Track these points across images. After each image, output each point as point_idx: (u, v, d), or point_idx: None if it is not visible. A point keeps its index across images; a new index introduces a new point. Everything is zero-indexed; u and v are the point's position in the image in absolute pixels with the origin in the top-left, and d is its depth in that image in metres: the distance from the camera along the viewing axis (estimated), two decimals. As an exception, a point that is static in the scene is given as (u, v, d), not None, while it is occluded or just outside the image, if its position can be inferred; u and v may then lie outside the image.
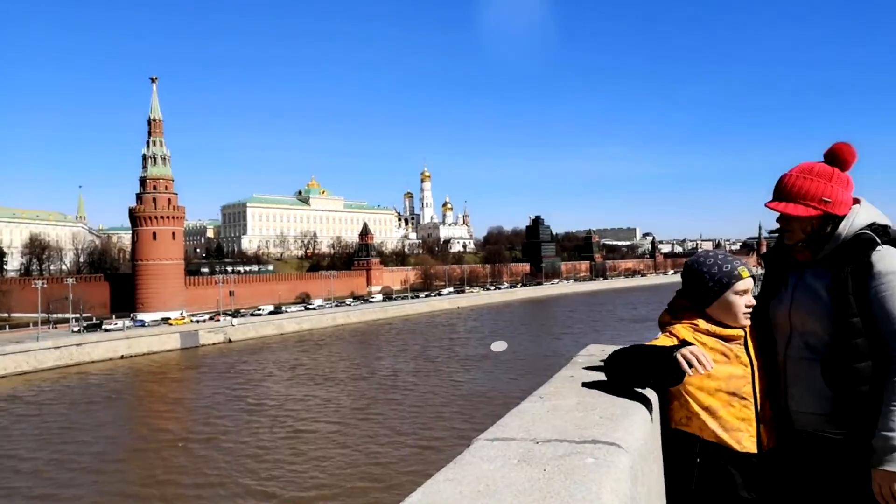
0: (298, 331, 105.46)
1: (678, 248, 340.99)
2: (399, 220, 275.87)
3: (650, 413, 2.24)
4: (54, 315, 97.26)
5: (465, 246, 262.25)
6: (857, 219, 2.31)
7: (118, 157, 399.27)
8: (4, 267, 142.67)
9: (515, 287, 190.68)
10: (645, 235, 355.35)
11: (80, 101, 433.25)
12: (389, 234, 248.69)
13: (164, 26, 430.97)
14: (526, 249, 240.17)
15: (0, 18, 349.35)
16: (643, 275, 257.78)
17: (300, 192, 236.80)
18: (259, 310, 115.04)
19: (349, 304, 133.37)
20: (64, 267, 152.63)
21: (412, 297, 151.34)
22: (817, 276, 2.38)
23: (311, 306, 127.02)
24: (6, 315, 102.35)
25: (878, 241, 2.25)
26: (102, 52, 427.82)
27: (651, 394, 2.44)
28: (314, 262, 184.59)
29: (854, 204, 2.38)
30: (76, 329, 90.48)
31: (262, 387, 58.48)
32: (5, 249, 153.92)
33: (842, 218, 2.33)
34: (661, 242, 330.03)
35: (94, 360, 76.96)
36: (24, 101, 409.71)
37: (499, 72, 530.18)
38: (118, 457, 37.21)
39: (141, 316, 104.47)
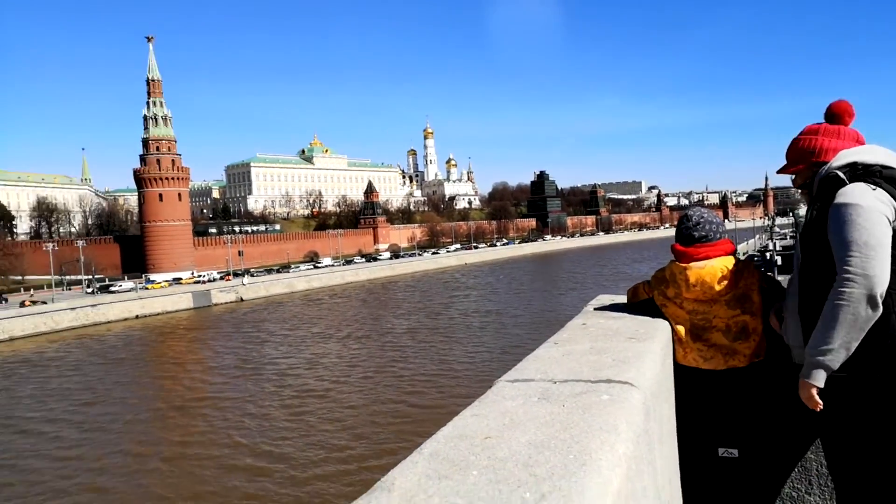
0: (308, 289, 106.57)
1: (684, 201, 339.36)
2: (403, 177, 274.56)
3: (661, 356, 2.36)
4: (67, 277, 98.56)
5: (470, 202, 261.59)
6: (835, 162, 2.53)
7: (120, 118, 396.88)
8: (14, 230, 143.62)
9: (522, 243, 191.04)
10: (650, 189, 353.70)
11: (80, 62, 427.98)
12: (394, 191, 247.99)
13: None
14: (531, 205, 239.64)
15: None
16: (649, 228, 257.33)
17: (303, 151, 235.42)
18: (317, 262, 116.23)
19: (357, 263, 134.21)
20: (73, 230, 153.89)
21: (419, 255, 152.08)
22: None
23: (320, 265, 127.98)
24: (20, 277, 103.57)
25: (845, 179, 2.38)
26: (100, 10, 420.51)
27: (662, 336, 2.67)
28: (321, 222, 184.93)
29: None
30: (89, 290, 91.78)
31: (273, 345, 59.61)
32: (13, 213, 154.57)
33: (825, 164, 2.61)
34: (666, 195, 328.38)
35: (109, 321, 78.33)
36: (23, 63, 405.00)
37: (499, 26, 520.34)
38: (134, 417, 38.40)
39: (152, 276, 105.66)
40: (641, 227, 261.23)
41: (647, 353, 2.22)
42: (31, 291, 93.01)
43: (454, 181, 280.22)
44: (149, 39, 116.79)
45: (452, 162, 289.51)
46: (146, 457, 30.23)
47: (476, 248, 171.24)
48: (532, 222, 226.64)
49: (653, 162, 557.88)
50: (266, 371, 47.71)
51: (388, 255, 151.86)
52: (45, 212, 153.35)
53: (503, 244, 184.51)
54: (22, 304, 78.80)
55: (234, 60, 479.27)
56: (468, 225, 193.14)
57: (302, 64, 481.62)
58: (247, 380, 45.32)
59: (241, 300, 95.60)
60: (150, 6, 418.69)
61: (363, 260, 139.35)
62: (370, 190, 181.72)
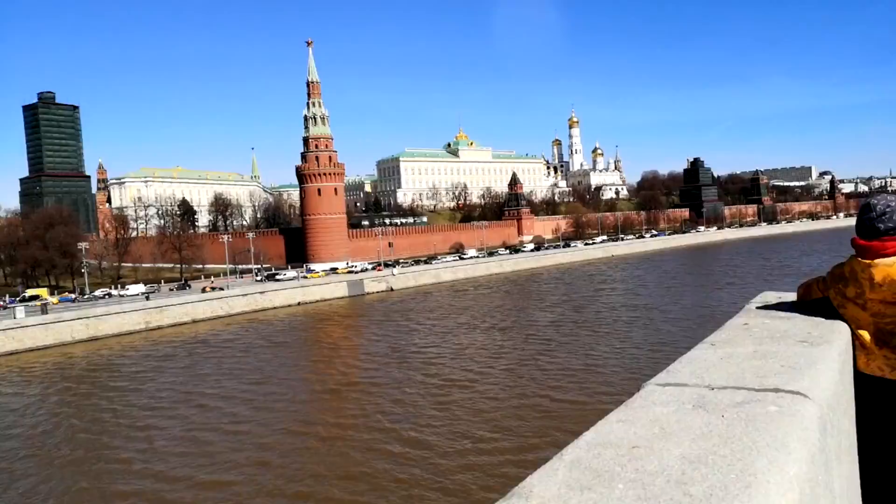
0: (454, 280, 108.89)
1: (863, 188, 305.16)
2: (548, 168, 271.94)
3: (839, 363, 2.12)
4: (240, 266, 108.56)
5: (617, 192, 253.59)
6: None
7: (284, 118, 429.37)
8: (196, 223, 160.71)
9: (673, 234, 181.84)
10: (822, 174, 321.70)
11: (248, 69, 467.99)
12: (538, 182, 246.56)
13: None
14: (684, 194, 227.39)
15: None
16: (821, 218, 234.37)
17: (449, 145, 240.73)
18: (462, 254, 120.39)
19: (501, 254, 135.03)
20: (244, 223, 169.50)
21: (563, 246, 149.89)
22: None
23: (464, 256, 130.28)
24: (200, 266, 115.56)
25: None
26: (262, 19, 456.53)
27: (841, 340, 2.33)
28: (465, 213, 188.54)
29: None
30: (258, 279, 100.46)
31: (420, 334, 61.57)
32: (195, 208, 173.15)
33: None
34: (841, 182, 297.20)
35: (275, 307, 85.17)
36: (198, 72, 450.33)
37: (646, 5, 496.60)
38: (295, 397, 41.35)
39: (312, 266, 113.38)
40: (811, 216, 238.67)
41: (822, 360, 1.99)
42: (212, 278, 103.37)
43: (600, 171, 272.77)
44: (308, 44, 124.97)
45: (599, 151, 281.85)
46: (304, 436, 32.51)
47: (623, 239, 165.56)
48: (685, 212, 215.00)
49: (825, 145, 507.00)
50: (413, 359, 49.41)
51: (531, 246, 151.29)
52: (221, 206, 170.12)
53: (652, 236, 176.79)
54: (203, 290, 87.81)
55: (384, 58, 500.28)
56: (615, 216, 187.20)
57: (449, 59, 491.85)
58: (395, 367, 47.22)
59: (391, 290, 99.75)
60: (309, 10, 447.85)
61: (507, 251, 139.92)
62: (514, 181, 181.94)
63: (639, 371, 38.96)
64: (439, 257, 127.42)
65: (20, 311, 67.50)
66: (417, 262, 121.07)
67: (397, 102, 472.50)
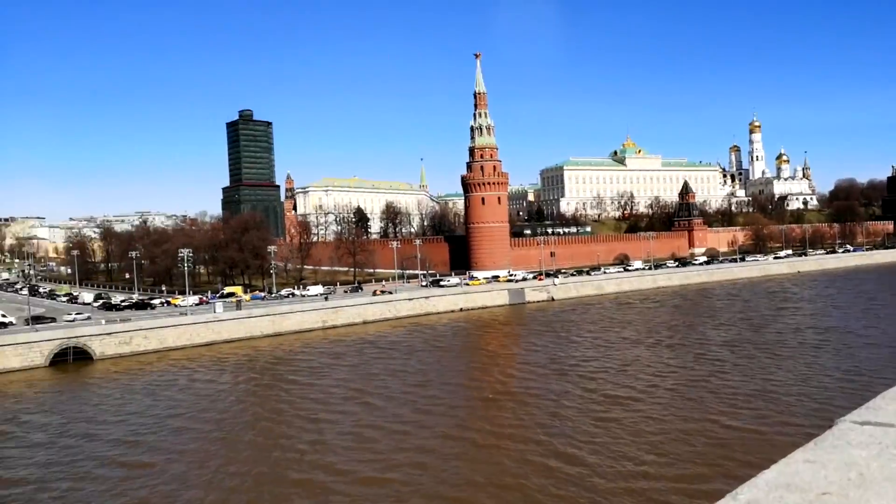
0: (618, 292, 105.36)
1: None
2: (724, 176, 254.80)
3: None
4: (406, 271, 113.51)
5: (805, 203, 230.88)
6: None
7: (451, 130, 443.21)
8: (369, 230, 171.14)
9: (873, 249, 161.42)
10: None
11: (419, 83, 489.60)
12: (713, 191, 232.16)
13: (487, 4, 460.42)
14: (887, 205, 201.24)
15: (354, 23, 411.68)
16: None
17: (615, 153, 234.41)
18: (627, 265, 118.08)
19: (669, 267, 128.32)
20: (412, 230, 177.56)
21: (740, 260, 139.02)
22: None
23: (630, 268, 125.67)
24: (371, 270, 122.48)
25: None
26: (431, 34, 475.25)
27: None
28: (631, 223, 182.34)
29: None
30: (423, 284, 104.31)
31: (581, 347, 60.10)
32: (368, 215, 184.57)
33: None
34: None
35: (438, 312, 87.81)
36: (373, 88, 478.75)
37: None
38: (453, 403, 42.08)
39: (474, 273, 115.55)
40: None
41: None
42: (384, 282, 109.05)
43: (785, 179, 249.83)
44: (476, 56, 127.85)
45: (784, 157, 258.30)
46: (462, 441, 33.04)
47: (811, 254, 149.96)
48: (888, 226, 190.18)
49: None
50: (573, 372, 48.37)
51: (703, 259, 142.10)
52: (391, 214, 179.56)
53: (846, 251, 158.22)
54: (373, 293, 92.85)
55: (548, 66, 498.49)
56: (802, 228, 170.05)
57: (614, 66, 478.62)
58: (554, 379, 46.51)
59: (552, 299, 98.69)
60: (473, 25, 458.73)
61: (675, 264, 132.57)
62: (686, 190, 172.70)
63: (828, 403, 34.96)
64: (602, 268, 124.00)
65: (219, 306, 75.77)
66: (580, 272, 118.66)
67: (562, 111, 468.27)
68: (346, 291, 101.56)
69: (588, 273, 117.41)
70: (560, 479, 27.20)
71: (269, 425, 37.58)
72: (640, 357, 53.67)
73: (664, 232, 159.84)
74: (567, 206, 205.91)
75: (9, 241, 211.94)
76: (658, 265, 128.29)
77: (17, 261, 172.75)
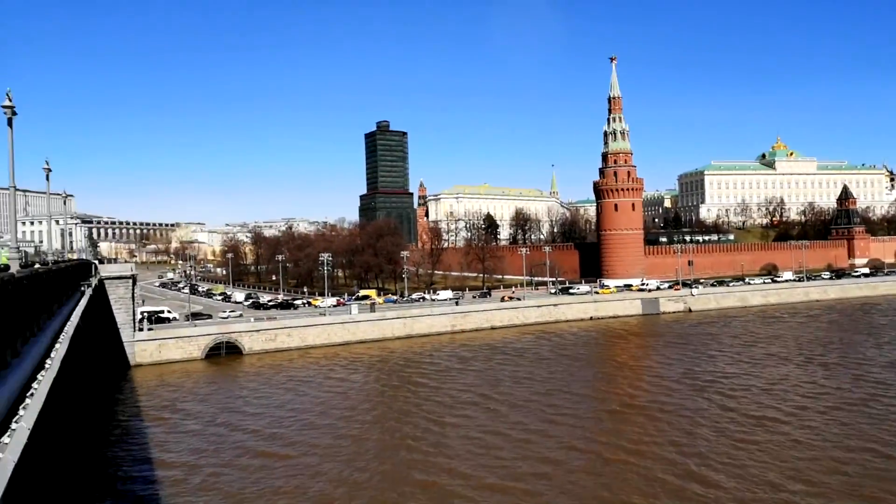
0: (764, 304, 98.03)
1: None
2: (891, 180, 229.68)
3: None
4: (535, 278, 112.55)
5: None
6: None
7: (582, 135, 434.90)
8: (498, 236, 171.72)
9: None
10: None
11: (550, 89, 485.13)
12: (878, 196, 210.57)
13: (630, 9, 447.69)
14: None
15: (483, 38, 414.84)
16: None
17: (763, 156, 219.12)
18: (776, 276, 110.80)
19: (824, 279, 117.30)
20: (541, 236, 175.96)
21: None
22: None
23: (778, 279, 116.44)
24: (500, 276, 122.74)
25: None
26: (564, 39, 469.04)
27: None
28: (781, 231, 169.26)
29: None
30: (552, 291, 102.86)
31: (720, 362, 56.42)
32: (498, 222, 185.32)
33: None
34: None
35: (567, 319, 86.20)
36: (503, 95, 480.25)
37: None
38: (579, 413, 40.89)
39: (605, 281, 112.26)
40: None
41: None
42: (513, 288, 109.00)
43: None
44: (612, 60, 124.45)
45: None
46: (587, 454, 32.06)
47: None
48: None
49: None
50: (710, 388, 45.52)
51: (865, 270, 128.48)
52: (521, 221, 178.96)
53: None
54: (502, 300, 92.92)
55: (685, 71, 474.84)
56: None
57: (758, 67, 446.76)
58: (689, 395, 44.02)
59: (690, 311, 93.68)
60: (609, 28, 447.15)
61: (831, 276, 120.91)
62: (845, 196, 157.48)
63: None
64: (747, 278, 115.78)
65: (355, 308, 79.32)
66: (720, 282, 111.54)
67: (703, 113, 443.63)
68: (474, 297, 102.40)
69: (730, 284, 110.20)
70: (690, 500, 25.61)
71: (396, 425, 38.62)
72: (788, 375, 49.49)
73: (819, 241, 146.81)
74: (707, 212, 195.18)
75: (174, 245, 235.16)
76: (811, 277, 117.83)
77: (180, 262, 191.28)
